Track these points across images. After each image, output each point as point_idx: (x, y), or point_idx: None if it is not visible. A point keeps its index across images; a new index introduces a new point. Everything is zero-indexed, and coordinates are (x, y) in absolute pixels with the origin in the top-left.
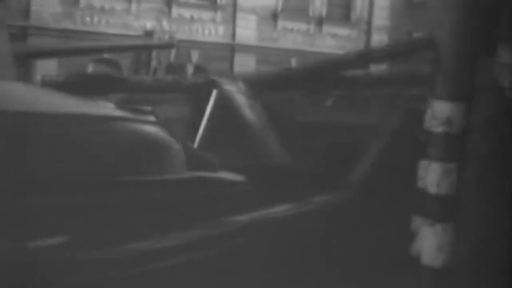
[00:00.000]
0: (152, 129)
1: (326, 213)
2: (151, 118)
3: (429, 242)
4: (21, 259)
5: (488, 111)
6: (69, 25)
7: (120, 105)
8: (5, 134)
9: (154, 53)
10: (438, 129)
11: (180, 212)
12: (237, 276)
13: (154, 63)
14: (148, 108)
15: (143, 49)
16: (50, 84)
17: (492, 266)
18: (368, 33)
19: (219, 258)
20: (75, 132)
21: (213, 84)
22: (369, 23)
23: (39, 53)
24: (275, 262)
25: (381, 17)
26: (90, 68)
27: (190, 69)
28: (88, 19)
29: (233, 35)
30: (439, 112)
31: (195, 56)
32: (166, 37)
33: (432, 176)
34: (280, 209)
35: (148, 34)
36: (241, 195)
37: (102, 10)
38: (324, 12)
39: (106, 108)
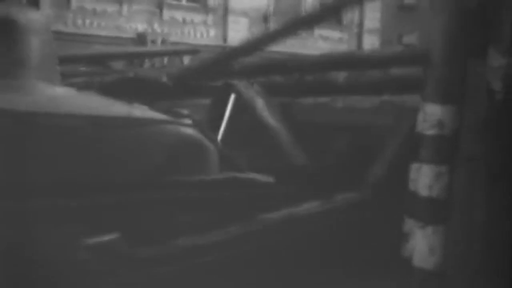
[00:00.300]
0: (191, 131)
1: (345, 212)
2: (188, 120)
3: (421, 244)
4: (75, 256)
5: (479, 114)
6: (60, 27)
7: (158, 108)
8: (54, 136)
9: None
10: (430, 131)
11: (219, 211)
12: (272, 269)
13: (147, 65)
14: (185, 110)
15: (169, 55)
16: (90, 87)
17: (484, 268)
18: (360, 35)
19: (257, 253)
20: (121, 134)
21: (231, 88)
22: (360, 25)
23: (65, 59)
24: (305, 258)
25: (372, 19)
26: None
27: None
28: (79, 21)
29: (225, 37)
30: (431, 115)
31: (187, 59)
32: (160, 39)
33: (423, 178)
34: (307, 207)
35: (140, 36)
36: (272, 194)
37: (93, 12)
38: None
39: (147, 111)
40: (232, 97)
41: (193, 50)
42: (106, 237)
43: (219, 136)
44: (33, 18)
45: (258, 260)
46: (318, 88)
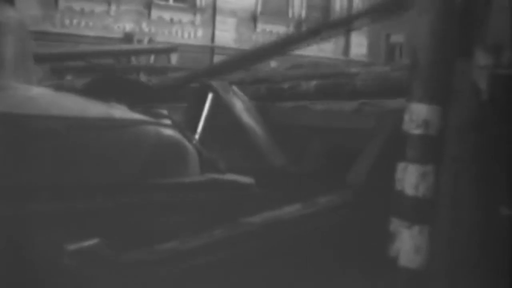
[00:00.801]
0: (170, 132)
1: (328, 214)
2: (168, 121)
3: (407, 244)
4: (58, 261)
5: (465, 114)
6: (48, 27)
7: (137, 108)
8: (31, 139)
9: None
10: (416, 131)
11: (201, 214)
12: (256, 273)
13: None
14: (164, 111)
15: (146, 53)
16: (68, 88)
17: (469, 267)
18: (347, 35)
19: (241, 257)
20: (100, 136)
21: (208, 88)
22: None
23: (47, 57)
24: (290, 261)
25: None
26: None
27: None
28: (67, 21)
29: (213, 37)
30: (416, 115)
31: (174, 58)
32: (146, 39)
33: (409, 178)
34: (289, 210)
35: (128, 36)
36: (252, 197)
37: (81, 12)
38: (303, 14)
39: (127, 111)
40: (210, 97)
41: (171, 48)
42: (88, 242)
43: (197, 137)
44: (9, 16)
45: (242, 264)
46: (290, 96)
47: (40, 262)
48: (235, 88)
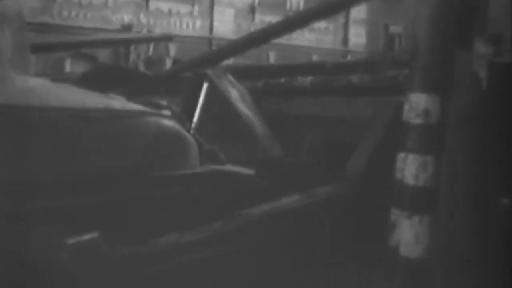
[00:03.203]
0: (170, 123)
1: (326, 205)
2: (167, 112)
3: (407, 234)
4: (56, 256)
5: (465, 103)
6: (47, 19)
7: (136, 99)
8: (29, 131)
9: (132, 47)
10: (415, 120)
11: (202, 206)
12: (257, 266)
13: (132, 56)
14: (164, 102)
15: (142, 42)
16: (66, 79)
17: (468, 258)
18: (346, 26)
19: (241, 250)
20: (100, 127)
21: (203, 78)
22: (346, 16)
23: (44, 47)
24: (290, 253)
25: (358, 10)
26: (68, 63)
27: (168, 63)
28: (65, 13)
29: (211, 28)
30: (416, 104)
31: (173, 49)
32: (144, 31)
33: (409, 167)
34: (287, 201)
35: (126, 27)
36: (253, 188)
37: (79, 4)
38: (301, 5)
39: (126, 102)
40: (205, 87)
41: (167, 37)
42: (86, 236)
43: (192, 127)
44: (5, 5)
45: (242, 257)
46: (285, 91)
47: (39, 259)
48: (230, 77)
